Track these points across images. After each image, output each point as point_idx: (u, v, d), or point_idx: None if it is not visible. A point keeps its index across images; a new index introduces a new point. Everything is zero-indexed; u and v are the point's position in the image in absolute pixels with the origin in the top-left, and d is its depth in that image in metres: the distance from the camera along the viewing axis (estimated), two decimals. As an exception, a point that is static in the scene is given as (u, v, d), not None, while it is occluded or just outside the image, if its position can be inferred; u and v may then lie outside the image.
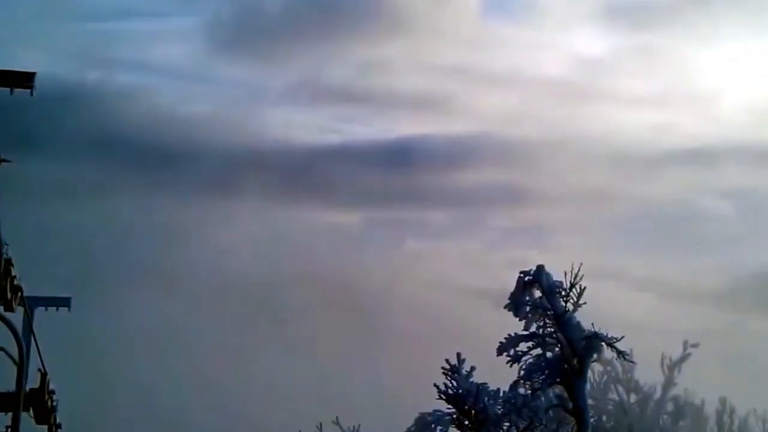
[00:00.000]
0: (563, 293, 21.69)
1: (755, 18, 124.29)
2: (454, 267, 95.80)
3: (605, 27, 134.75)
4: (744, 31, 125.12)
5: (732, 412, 44.33)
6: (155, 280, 72.84)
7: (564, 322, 21.65)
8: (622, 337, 21.68)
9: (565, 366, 21.76)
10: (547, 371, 21.85)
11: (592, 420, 26.92)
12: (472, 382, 22.94)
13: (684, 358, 42.93)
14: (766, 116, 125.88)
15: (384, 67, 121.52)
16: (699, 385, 44.90)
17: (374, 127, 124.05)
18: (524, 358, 21.91)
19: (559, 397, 22.76)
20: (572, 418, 22.11)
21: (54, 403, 17.00)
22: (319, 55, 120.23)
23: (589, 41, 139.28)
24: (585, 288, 21.59)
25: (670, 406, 43.43)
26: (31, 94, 12.51)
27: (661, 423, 43.09)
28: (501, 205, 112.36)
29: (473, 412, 22.74)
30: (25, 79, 12.50)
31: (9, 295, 14.07)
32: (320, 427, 38.30)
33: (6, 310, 14.36)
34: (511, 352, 21.87)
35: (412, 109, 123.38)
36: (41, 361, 16.59)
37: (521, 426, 23.01)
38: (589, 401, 27.72)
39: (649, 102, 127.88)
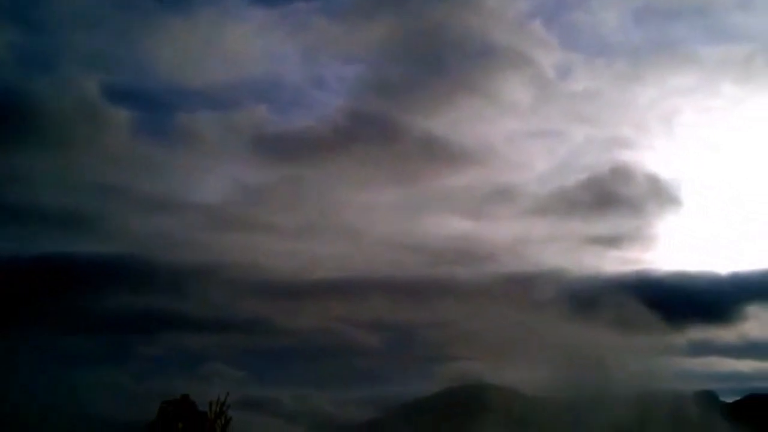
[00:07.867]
0: (207, 424, 20.58)
1: (390, 168, 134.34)
2: (95, 398, 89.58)
3: (259, 157, 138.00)
4: (382, 177, 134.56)
5: None
6: None
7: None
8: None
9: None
10: None
11: None
12: None
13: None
14: (405, 253, 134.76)
15: (22, 179, 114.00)
16: None
17: (12, 243, 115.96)
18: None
19: None
20: None
21: None
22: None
23: (244, 170, 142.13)
24: (231, 418, 20.75)
25: None
26: None
27: None
28: (149, 332, 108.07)
29: None
30: None
31: None
32: None
33: None
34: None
35: (55, 226, 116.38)
36: None
37: None
38: None
39: (297, 233, 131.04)
